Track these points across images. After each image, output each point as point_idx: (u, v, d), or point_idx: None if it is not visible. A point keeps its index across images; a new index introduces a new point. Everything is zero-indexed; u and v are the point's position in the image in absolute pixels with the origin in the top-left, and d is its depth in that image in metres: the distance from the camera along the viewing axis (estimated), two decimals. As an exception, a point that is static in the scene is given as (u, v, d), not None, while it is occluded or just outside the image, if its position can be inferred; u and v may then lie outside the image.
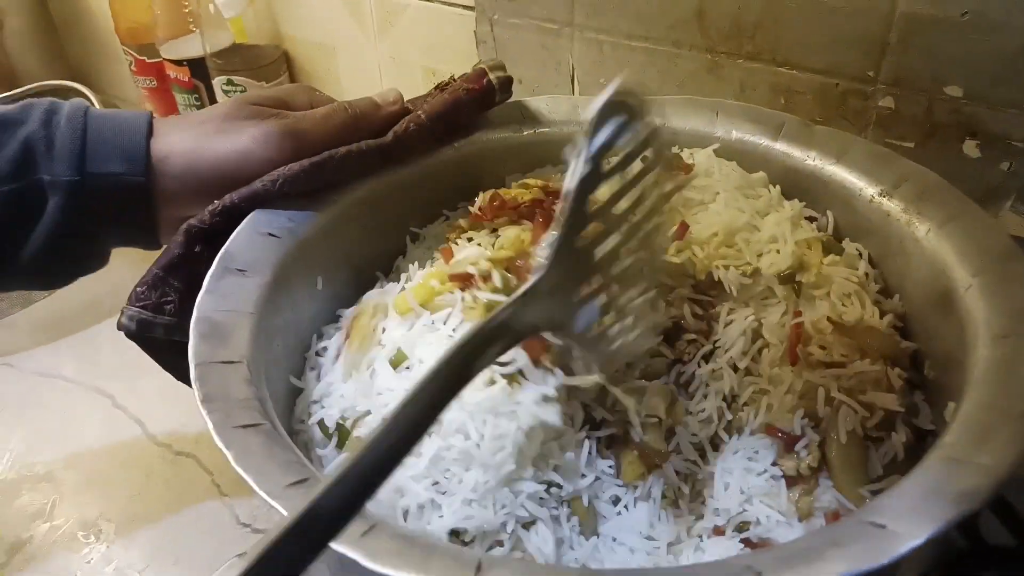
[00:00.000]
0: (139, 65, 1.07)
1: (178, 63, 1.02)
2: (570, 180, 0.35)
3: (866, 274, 0.53)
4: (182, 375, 0.53)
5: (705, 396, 0.48)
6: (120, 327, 0.50)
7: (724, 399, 0.47)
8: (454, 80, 0.62)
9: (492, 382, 0.42)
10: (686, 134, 0.64)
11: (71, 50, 1.38)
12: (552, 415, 0.41)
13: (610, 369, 0.43)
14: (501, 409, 0.41)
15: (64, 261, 0.54)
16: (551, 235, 0.36)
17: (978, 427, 0.34)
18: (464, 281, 0.48)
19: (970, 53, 0.60)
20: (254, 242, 0.48)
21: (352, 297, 0.53)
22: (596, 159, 0.35)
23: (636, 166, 0.38)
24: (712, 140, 0.63)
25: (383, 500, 0.40)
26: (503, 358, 0.39)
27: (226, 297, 0.44)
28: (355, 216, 0.56)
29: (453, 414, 0.40)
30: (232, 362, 0.39)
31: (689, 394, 0.48)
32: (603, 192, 0.37)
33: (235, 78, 0.97)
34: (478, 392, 0.41)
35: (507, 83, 0.62)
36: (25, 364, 0.85)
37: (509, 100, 0.64)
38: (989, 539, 0.58)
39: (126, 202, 0.52)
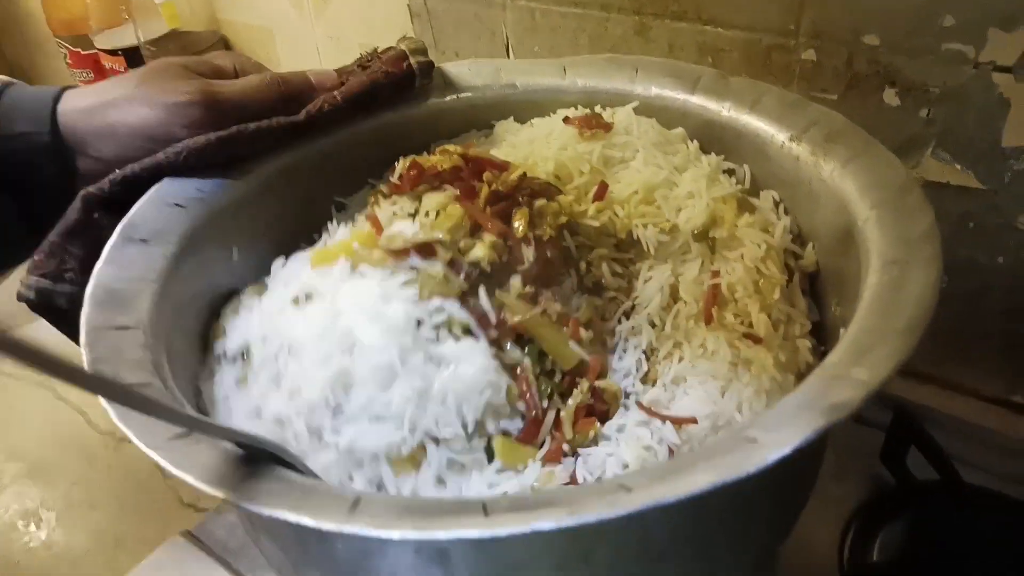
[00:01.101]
0: (74, 58, 1.06)
1: (113, 53, 1.01)
2: None
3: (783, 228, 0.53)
4: None
5: (625, 351, 0.48)
6: (20, 298, 0.49)
7: (644, 353, 0.48)
8: (377, 55, 0.61)
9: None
10: (608, 93, 0.64)
11: (8, 48, 1.37)
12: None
13: None
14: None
15: None
16: None
17: (858, 346, 0.35)
18: (400, 256, 0.47)
19: (885, 1, 0.60)
20: (159, 212, 0.48)
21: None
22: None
23: None
24: (633, 98, 0.63)
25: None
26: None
27: (126, 267, 0.43)
28: (273, 186, 0.55)
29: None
30: (127, 327, 0.39)
31: (610, 350, 0.49)
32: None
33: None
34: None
35: (428, 68, 0.61)
36: (-35, 361, 0.84)
37: (430, 82, 0.64)
38: (917, 475, 0.59)
39: (39, 164, 0.52)
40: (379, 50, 0.62)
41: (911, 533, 0.55)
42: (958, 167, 0.63)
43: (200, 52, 1.00)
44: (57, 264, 0.48)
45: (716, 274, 0.50)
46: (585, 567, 0.34)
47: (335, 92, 0.57)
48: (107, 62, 1.02)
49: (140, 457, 0.69)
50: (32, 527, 0.65)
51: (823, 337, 0.49)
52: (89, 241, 0.48)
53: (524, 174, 0.52)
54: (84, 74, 1.07)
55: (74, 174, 0.54)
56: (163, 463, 0.30)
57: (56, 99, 0.53)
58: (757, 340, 0.46)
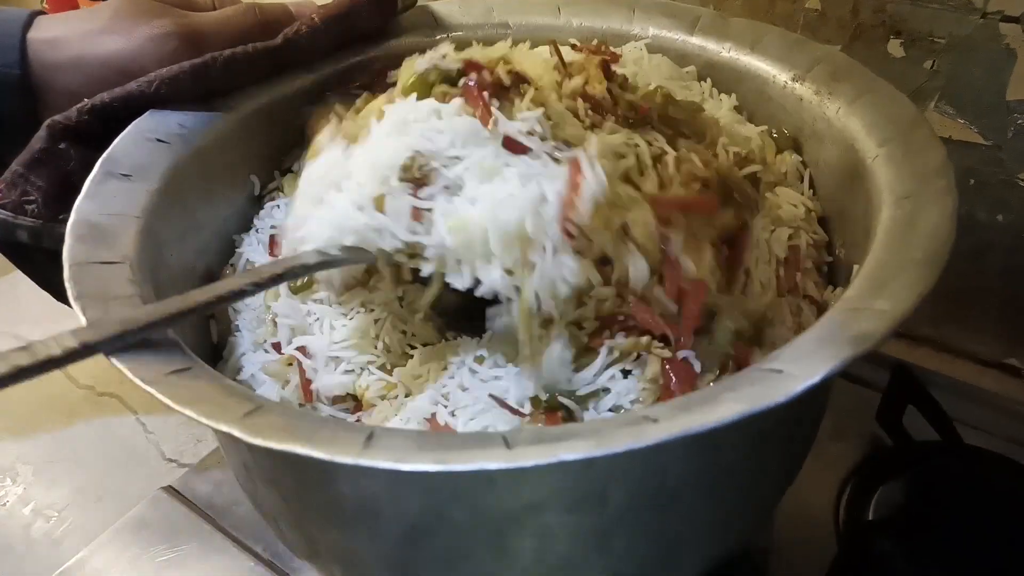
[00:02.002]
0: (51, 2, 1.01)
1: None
2: None
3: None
4: (58, 290, 0.51)
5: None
6: None
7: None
8: None
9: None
10: (604, 33, 0.62)
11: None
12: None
13: None
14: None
15: None
16: None
17: (876, 278, 0.34)
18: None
19: (894, -51, 0.59)
20: (141, 147, 0.45)
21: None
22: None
23: None
24: (630, 38, 0.61)
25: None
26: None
27: (108, 201, 0.41)
28: (257, 125, 0.53)
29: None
30: (113, 262, 0.37)
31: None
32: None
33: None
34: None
35: None
36: (-63, 315, 0.81)
37: (414, 6, 0.61)
38: (915, 436, 0.59)
39: (3, 99, 0.49)
40: None
41: (908, 493, 0.54)
42: (961, 121, 0.62)
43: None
44: (19, 195, 0.45)
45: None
46: (599, 509, 0.33)
47: (312, 15, 0.54)
48: (86, 5, 0.97)
49: (121, 411, 0.69)
50: (8, 481, 0.63)
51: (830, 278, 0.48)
52: (54, 172, 0.45)
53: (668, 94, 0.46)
54: None
55: (41, 110, 0.50)
56: (163, 398, 0.28)
57: (25, 28, 0.49)
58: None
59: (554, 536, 0.33)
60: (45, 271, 0.48)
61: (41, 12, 0.52)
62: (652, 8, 0.62)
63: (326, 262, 0.38)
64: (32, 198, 0.45)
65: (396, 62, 0.60)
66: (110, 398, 0.71)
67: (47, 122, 0.46)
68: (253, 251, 0.50)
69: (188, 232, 0.46)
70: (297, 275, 0.40)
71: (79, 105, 0.46)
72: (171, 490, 0.60)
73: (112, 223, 0.40)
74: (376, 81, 0.54)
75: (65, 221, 0.43)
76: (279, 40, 0.52)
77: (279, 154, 0.55)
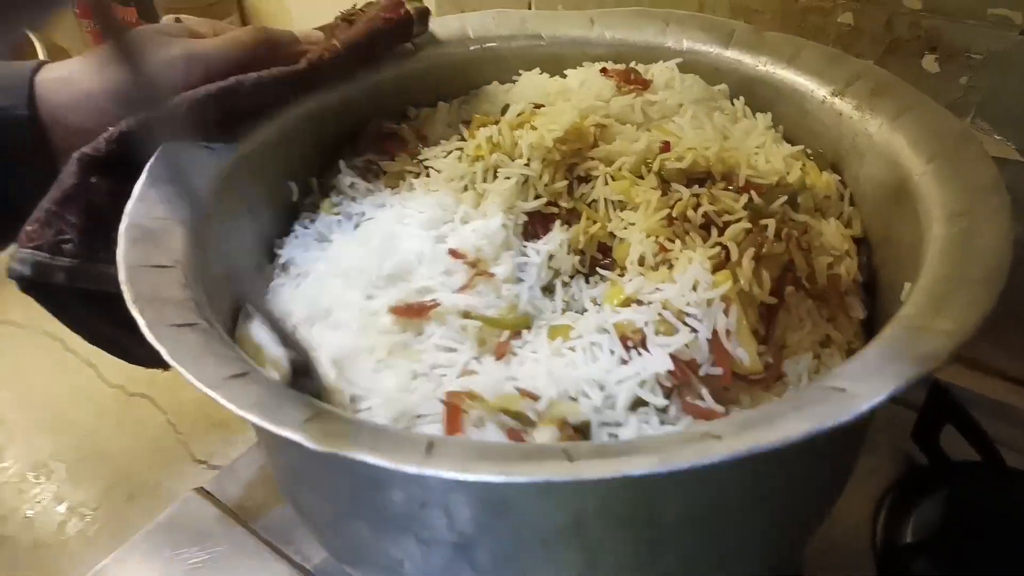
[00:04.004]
0: (83, 7, 1.01)
1: (124, 3, 0.97)
2: None
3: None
4: (93, 333, 0.49)
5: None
6: (11, 274, 0.43)
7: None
8: (360, 10, 0.59)
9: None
10: (637, 46, 0.62)
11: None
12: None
13: None
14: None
15: None
16: None
17: (935, 297, 0.34)
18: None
19: (929, -40, 0.59)
20: (186, 153, 0.45)
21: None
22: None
23: None
24: (664, 51, 0.61)
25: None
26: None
27: (156, 205, 0.41)
28: (295, 135, 0.53)
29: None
30: (165, 266, 0.37)
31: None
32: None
33: (184, 18, 0.93)
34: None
35: (424, 14, 0.59)
36: (-30, 311, 0.82)
37: (425, 33, 0.61)
38: (950, 455, 0.58)
39: (16, 140, 0.48)
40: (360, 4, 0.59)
41: (947, 513, 0.54)
42: (997, 137, 0.61)
43: (211, 5, 0.97)
44: (54, 234, 0.43)
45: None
46: (649, 524, 0.33)
47: (334, 40, 0.54)
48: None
49: (151, 411, 0.69)
50: (42, 479, 0.63)
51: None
52: (86, 207, 0.44)
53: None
54: (93, 24, 1.02)
55: (51, 151, 0.49)
56: (224, 402, 0.28)
57: (33, 72, 0.49)
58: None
59: (602, 549, 0.33)
60: (78, 312, 0.47)
61: (47, 62, 0.52)
62: (686, 21, 0.62)
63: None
64: (68, 236, 0.43)
65: (431, 73, 0.61)
66: (140, 398, 0.71)
67: (76, 155, 0.45)
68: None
69: (232, 235, 0.46)
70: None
71: (105, 135, 0.45)
72: (203, 491, 0.60)
73: (161, 227, 0.40)
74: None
75: (104, 260, 0.42)
76: (303, 65, 0.51)
77: (318, 161, 0.55)
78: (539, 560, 0.34)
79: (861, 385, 0.28)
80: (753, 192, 0.45)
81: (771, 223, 0.42)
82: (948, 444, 0.58)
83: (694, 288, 0.38)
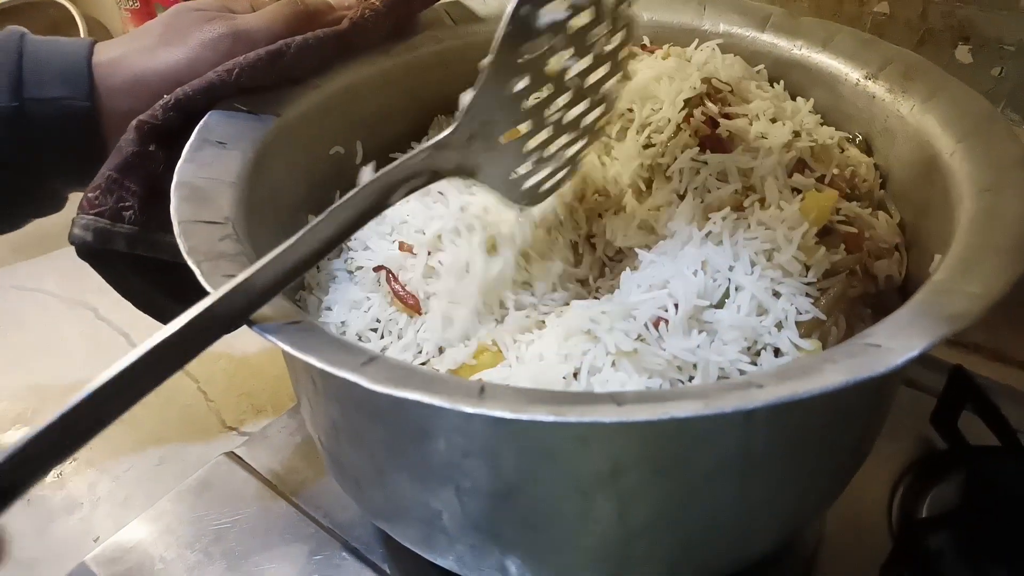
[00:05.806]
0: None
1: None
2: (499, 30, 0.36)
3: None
4: (145, 301, 0.50)
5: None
6: (73, 240, 0.44)
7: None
8: None
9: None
10: (675, 28, 0.63)
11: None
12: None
13: (529, 203, 0.44)
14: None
15: (4, 198, 0.50)
16: (470, 91, 0.38)
17: (965, 263, 0.35)
18: None
19: (967, -46, 0.60)
20: (233, 118, 0.47)
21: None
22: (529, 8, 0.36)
23: (582, 20, 0.39)
24: (700, 33, 0.62)
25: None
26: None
27: (206, 166, 0.42)
28: (336, 104, 0.54)
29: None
30: (216, 222, 0.39)
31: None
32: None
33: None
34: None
35: None
36: (5, 280, 0.84)
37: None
38: (969, 440, 0.59)
39: (71, 130, 0.47)
40: None
41: (964, 493, 0.55)
42: (1027, 128, 0.62)
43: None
44: (115, 201, 0.44)
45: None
46: (684, 472, 0.34)
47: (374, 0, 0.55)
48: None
49: (182, 379, 0.71)
50: (75, 441, 0.65)
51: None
52: (146, 176, 0.45)
53: None
54: (130, 2, 1.02)
55: (103, 139, 0.49)
56: (283, 346, 0.29)
57: (89, 55, 0.48)
58: None
59: (638, 499, 0.35)
60: (132, 281, 0.48)
61: (93, 39, 0.52)
62: (723, 4, 0.63)
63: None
64: (129, 204, 0.44)
65: (471, 49, 0.61)
66: (170, 366, 0.72)
67: (134, 123, 0.45)
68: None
69: (277, 197, 0.48)
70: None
71: (162, 102, 0.45)
72: (233, 455, 0.61)
73: (211, 186, 0.42)
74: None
75: (160, 228, 0.44)
76: (346, 24, 0.52)
77: (360, 128, 0.56)
78: (573, 512, 0.35)
79: (895, 341, 0.29)
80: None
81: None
82: (967, 430, 0.59)
83: None
